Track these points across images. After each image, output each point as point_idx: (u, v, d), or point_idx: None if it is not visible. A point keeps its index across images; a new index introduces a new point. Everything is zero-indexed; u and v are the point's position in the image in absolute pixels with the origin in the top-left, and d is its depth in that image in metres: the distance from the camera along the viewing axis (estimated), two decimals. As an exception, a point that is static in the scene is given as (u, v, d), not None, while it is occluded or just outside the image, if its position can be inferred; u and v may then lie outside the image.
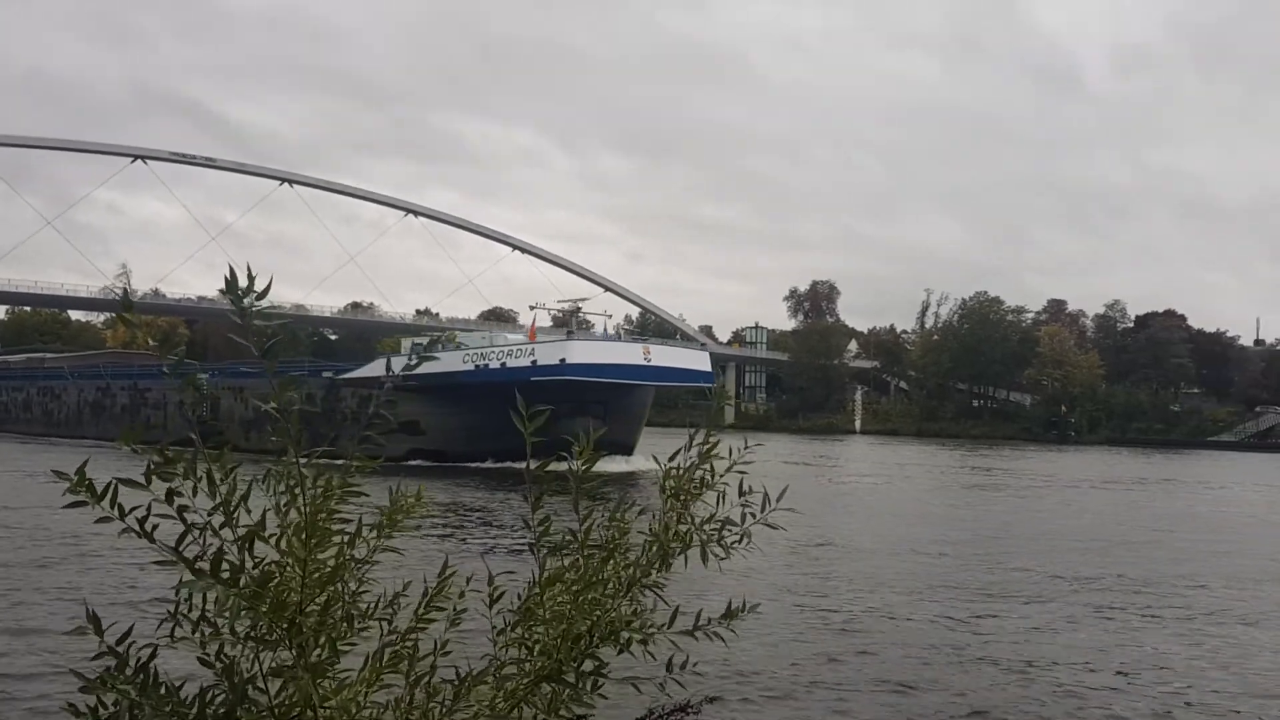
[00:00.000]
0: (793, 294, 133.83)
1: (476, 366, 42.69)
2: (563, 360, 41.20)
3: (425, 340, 52.82)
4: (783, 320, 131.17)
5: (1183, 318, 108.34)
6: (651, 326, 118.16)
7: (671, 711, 2.67)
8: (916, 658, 11.09)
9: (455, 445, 42.44)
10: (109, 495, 2.22)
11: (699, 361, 48.65)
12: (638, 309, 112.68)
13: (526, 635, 2.75)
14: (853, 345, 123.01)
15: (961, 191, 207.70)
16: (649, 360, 44.21)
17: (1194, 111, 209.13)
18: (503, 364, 42.30)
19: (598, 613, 2.71)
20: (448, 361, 43.93)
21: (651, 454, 46.70)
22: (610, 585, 2.82)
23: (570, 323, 51.13)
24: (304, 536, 2.29)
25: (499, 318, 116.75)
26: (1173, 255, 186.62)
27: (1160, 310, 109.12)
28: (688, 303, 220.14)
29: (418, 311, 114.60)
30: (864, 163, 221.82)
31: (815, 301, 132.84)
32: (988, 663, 10.94)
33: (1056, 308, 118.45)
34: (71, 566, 14.99)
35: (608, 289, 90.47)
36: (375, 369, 46.09)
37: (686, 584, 2.93)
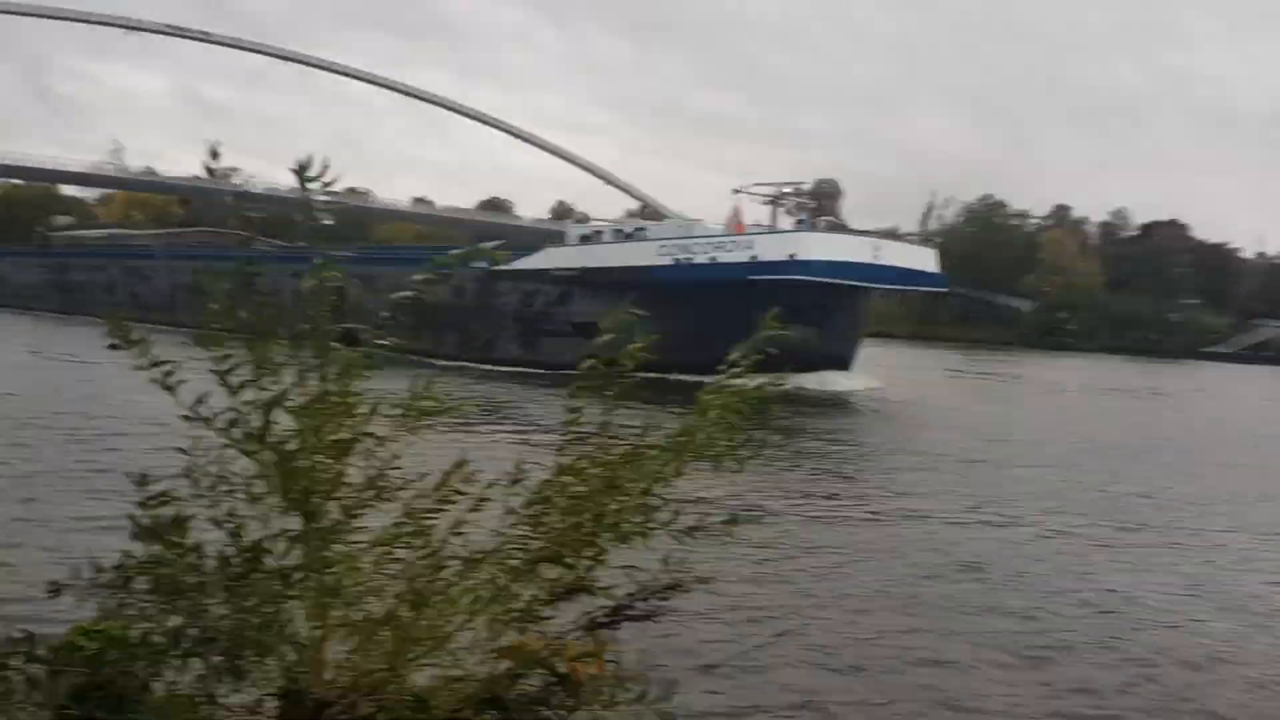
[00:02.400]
0: (795, 190, 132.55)
1: (676, 260, 36.63)
2: (793, 256, 34.85)
3: (594, 229, 45.35)
4: (781, 218, 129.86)
5: (1186, 228, 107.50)
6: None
7: (663, 588, 2.79)
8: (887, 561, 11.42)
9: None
10: (141, 344, 2.27)
11: (927, 261, 41.75)
12: (637, 203, 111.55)
13: (536, 517, 2.84)
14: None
15: (971, 90, 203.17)
16: (878, 258, 37.46)
17: (1217, 12, 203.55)
18: (712, 259, 35.99)
19: (607, 503, 2.80)
20: (635, 254, 38.02)
21: (871, 371, 42.56)
22: (623, 489, 2.89)
23: (776, 212, 42.58)
24: (321, 408, 2.35)
25: (496, 207, 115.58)
26: (1183, 163, 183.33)
27: (1165, 220, 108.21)
28: (685, 199, 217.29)
29: (414, 199, 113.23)
30: (872, 54, 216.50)
31: (818, 200, 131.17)
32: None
33: (1061, 213, 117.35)
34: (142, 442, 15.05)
35: (606, 181, 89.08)
36: (541, 259, 40.48)
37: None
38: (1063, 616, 9.17)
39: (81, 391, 22.15)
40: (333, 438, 2.36)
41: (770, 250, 35.34)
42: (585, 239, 42.63)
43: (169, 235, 70.84)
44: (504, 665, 2.64)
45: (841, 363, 36.64)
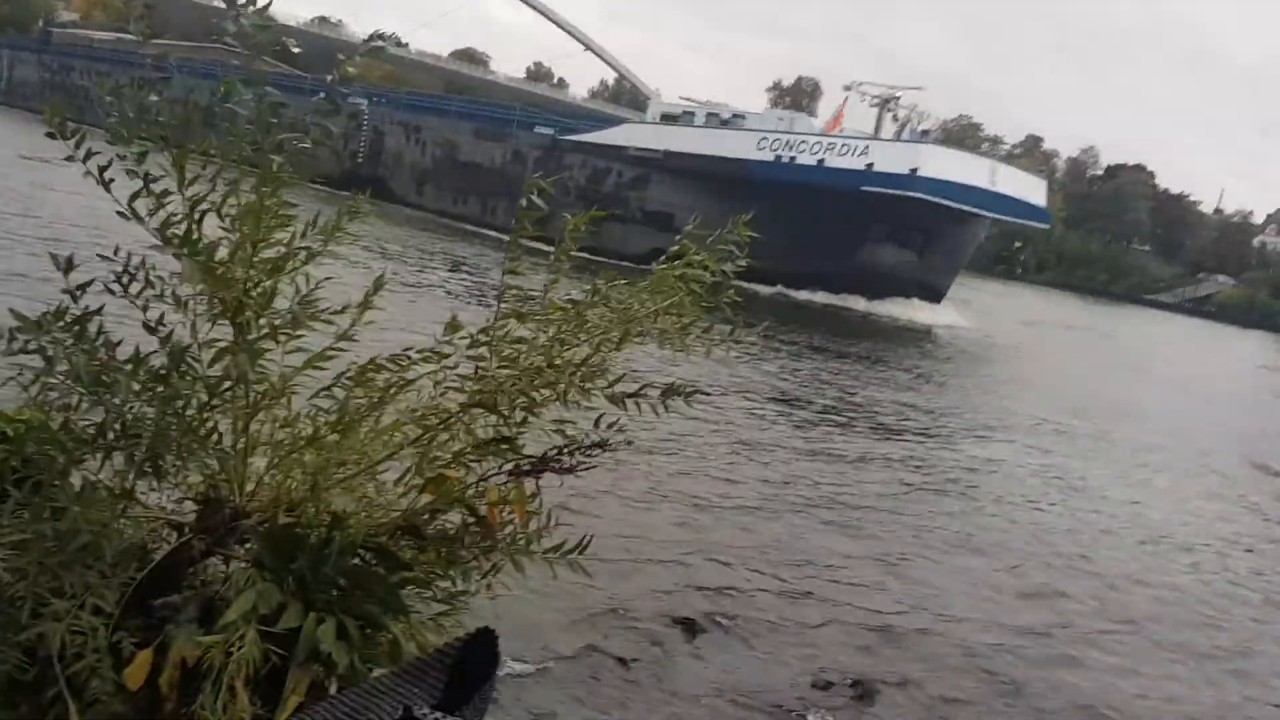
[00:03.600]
0: (776, 86, 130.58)
1: (777, 157, 32.66)
2: (914, 171, 31.11)
3: (682, 109, 40.22)
4: (888, 126, 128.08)
5: (1151, 174, 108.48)
6: (626, 97, 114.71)
7: (590, 445, 2.83)
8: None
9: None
10: (78, 138, 2.18)
11: (1038, 192, 38.13)
12: (614, 75, 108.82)
13: (474, 360, 2.84)
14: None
15: (962, 6, 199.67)
16: (995, 184, 33.64)
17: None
18: (820, 161, 32.14)
19: (548, 358, 2.80)
20: (730, 143, 33.85)
21: (964, 304, 37.19)
22: (565, 342, 2.88)
23: (882, 116, 38.50)
24: (256, 216, 2.28)
25: (471, 59, 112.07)
26: (1161, 108, 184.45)
27: (1131, 164, 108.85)
28: (663, 77, 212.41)
29: (382, 35, 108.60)
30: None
31: (797, 99, 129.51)
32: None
33: (1033, 143, 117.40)
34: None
35: (587, 47, 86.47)
36: (618, 135, 36.67)
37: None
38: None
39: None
40: (267, 252, 2.31)
41: (889, 160, 31.51)
42: (669, 118, 38.15)
43: (190, 48, 67.12)
44: (424, 500, 2.68)
45: (936, 294, 34.34)
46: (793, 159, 32.35)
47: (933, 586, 7.59)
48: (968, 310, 34.92)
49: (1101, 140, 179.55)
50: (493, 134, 39.44)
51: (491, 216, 37.66)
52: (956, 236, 34.03)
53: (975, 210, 32.83)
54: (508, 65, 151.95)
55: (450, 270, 22.01)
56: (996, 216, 35.91)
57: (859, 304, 31.78)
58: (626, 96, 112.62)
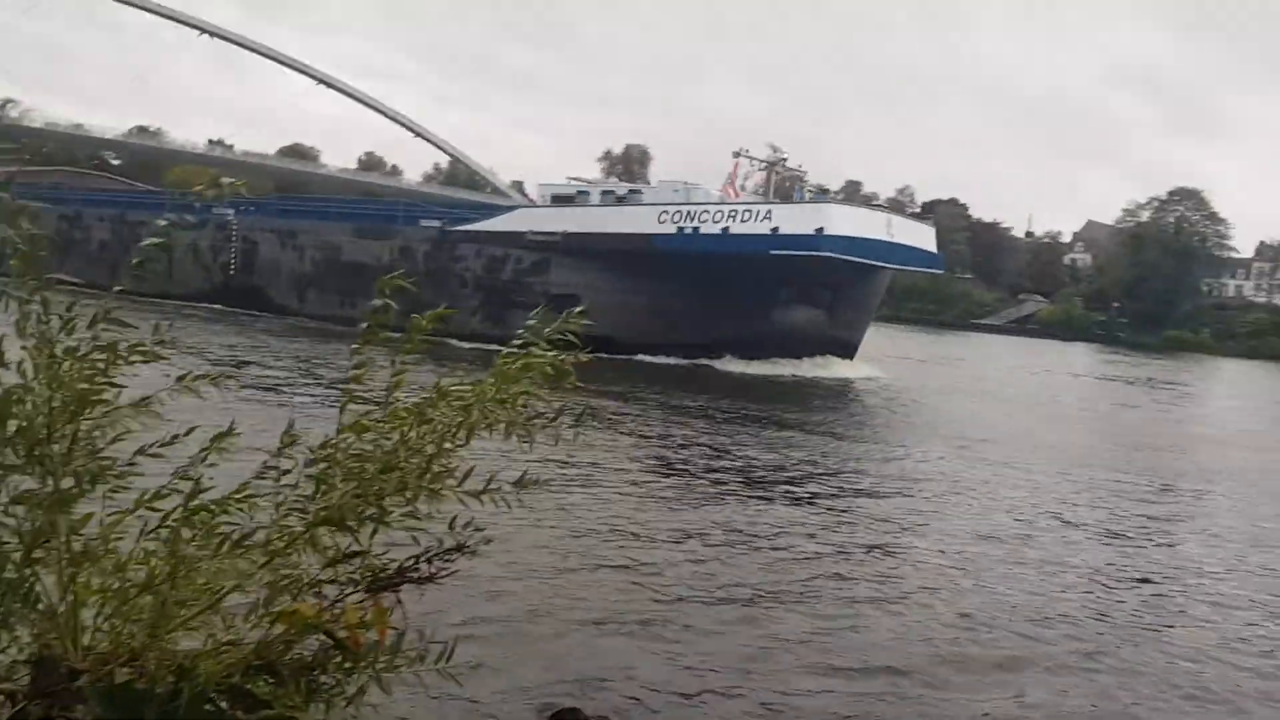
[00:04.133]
0: (606, 155, 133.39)
1: (680, 229, 32.10)
2: (820, 230, 30.61)
3: (574, 189, 39.03)
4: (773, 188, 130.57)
5: (965, 206, 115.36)
6: (462, 178, 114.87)
7: (448, 550, 2.78)
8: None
9: (631, 331, 31.35)
10: None
11: (929, 240, 37.58)
12: (447, 158, 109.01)
13: (317, 479, 2.76)
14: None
15: (773, 62, 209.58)
16: (892, 235, 33.28)
17: None
18: (725, 229, 31.60)
19: (392, 464, 2.74)
20: (631, 219, 33.32)
21: (876, 359, 36.40)
22: (410, 445, 2.83)
23: (771, 179, 37.94)
24: (50, 358, 2.16)
25: (300, 154, 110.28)
26: (967, 143, 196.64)
27: (945, 198, 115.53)
28: (496, 156, 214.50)
29: (210, 141, 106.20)
30: (677, 19, 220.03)
31: (628, 165, 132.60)
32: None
33: (852, 189, 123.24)
34: None
35: (416, 134, 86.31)
36: (512, 221, 35.54)
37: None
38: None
39: None
40: (75, 389, 2.19)
41: (793, 222, 31.19)
42: (561, 199, 37.29)
43: (24, 173, 62.39)
44: (277, 631, 2.57)
45: (848, 349, 34.26)
46: (696, 229, 32.02)
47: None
48: (876, 362, 35.45)
49: (916, 179, 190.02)
50: (376, 232, 38.51)
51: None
52: (862, 291, 34.52)
53: (879, 264, 33.18)
54: (338, 158, 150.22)
55: (325, 379, 21.14)
56: (898, 267, 35.96)
57: (774, 368, 31.52)
58: (462, 178, 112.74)
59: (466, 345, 30.09)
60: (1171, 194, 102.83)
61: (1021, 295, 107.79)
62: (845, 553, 10.32)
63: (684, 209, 32.49)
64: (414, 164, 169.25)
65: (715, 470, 14.58)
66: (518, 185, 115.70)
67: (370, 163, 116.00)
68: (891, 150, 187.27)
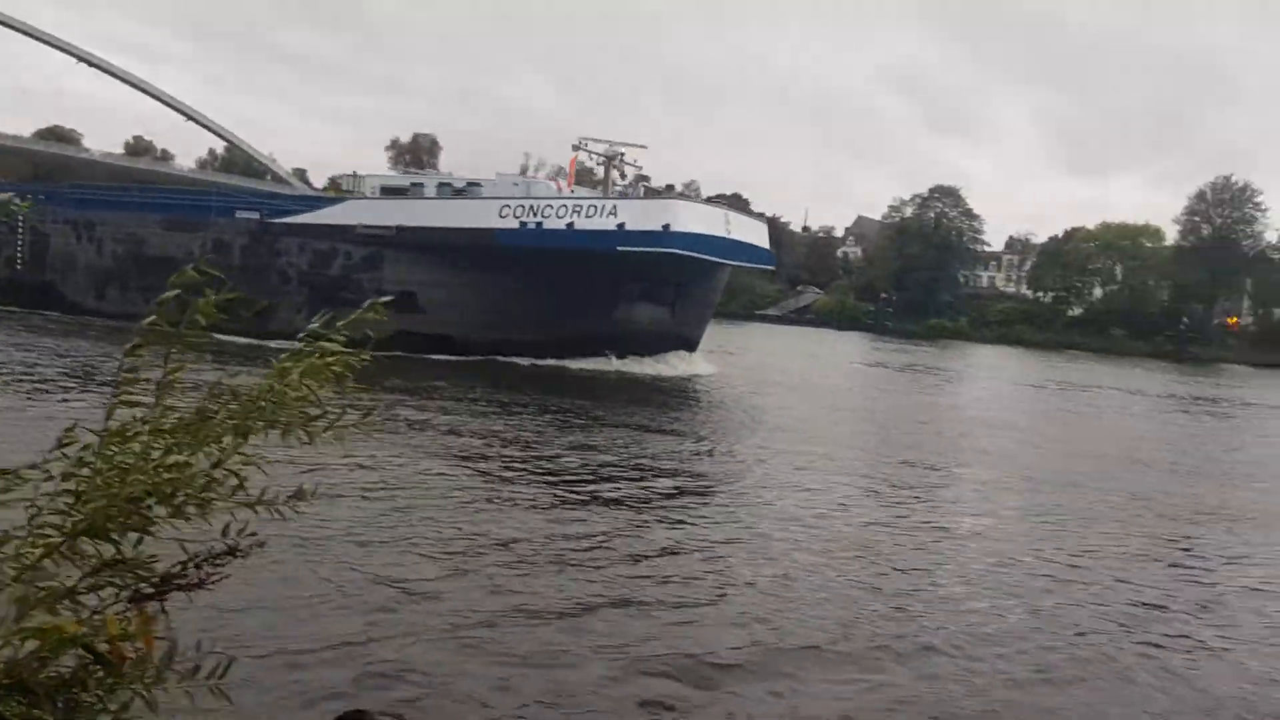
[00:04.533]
0: (394, 144, 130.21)
1: (522, 224, 30.84)
2: (666, 227, 30.13)
3: (408, 180, 37.60)
4: (383, 170, 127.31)
5: (748, 201, 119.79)
6: (239, 165, 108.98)
7: (219, 554, 2.70)
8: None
9: (469, 330, 30.90)
10: None
11: (763, 236, 37.02)
12: (223, 144, 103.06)
13: (78, 486, 2.62)
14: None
15: (568, 55, 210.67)
16: (730, 232, 32.81)
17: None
18: (569, 225, 30.60)
19: (161, 471, 2.64)
20: (471, 213, 31.74)
21: (714, 354, 36.50)
22: (182, 447, 2.72)
23: (609, 173, 36.38)
24: None
25: (59, 138, 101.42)
26: (750, 139, 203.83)
27: (729, 193, 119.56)
28: (277, 143, 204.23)
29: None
30: (473, 7, 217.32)
31: (416, 154, 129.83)
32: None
33: (640, 181, 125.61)
34: None
35: (189, 117, 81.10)
36: (340, 213, 33.40)
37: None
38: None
39: None
40: None
41: (640, 218, 30.66)
42: (392, 191, 35.65)
43: None
44: (30, 648, 2.43)
45: (690, 345, 34.21)
46: (539, 224, 30.87)
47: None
48: (711, 358, 35.64)
49: (702, 175, 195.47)
50: (186, 224, 35.66)
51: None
52: (704, 288, 34.34)
53: (721, 260, 32.97)
54: (103, 142, 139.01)
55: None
56: (736, 264, 35.86)
57: (616, 364, 31.15)
58: (240, 165, 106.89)
59: (285, 343, 27.95)
60: (932, 191, 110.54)
61: (800, 287, 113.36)
62: (639, 556, 10.57)
63: (526, 203, 31.32)
64: (187, 150, 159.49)
65: (520, 473, 14.58)
66: (300, 173, 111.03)
67: (138, 147, 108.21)
68: (681, 146, 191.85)
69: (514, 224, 30.93)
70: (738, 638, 7.91)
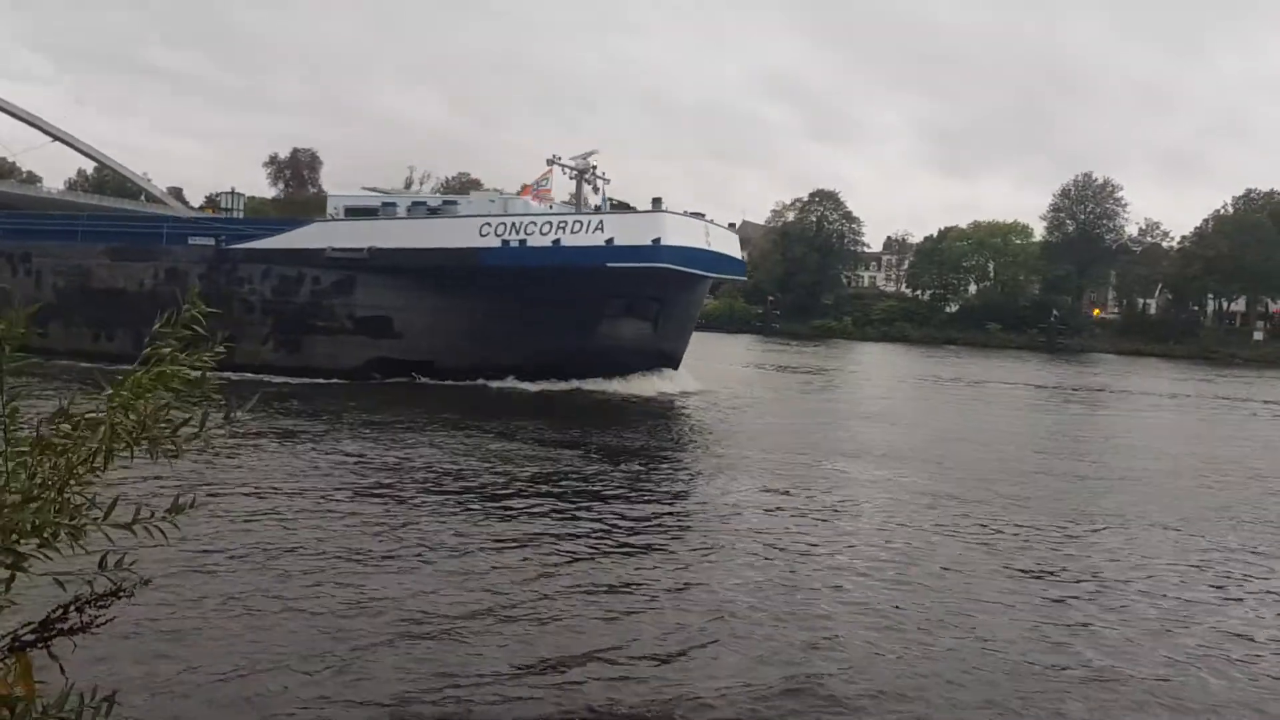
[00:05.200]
0: (273, 160, 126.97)
1: (505, 243, 29.48)
2: (657, 241, 29.18)
3: (377, 200, 34.91)
4: (262, 188, 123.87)
5: (634, 209, 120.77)
6: (111, 186, 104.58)
7: (101, 595, 2.68)
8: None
9: (452, 355, 29.51)
10: None
11: (736, 247, 36.08)
12: (92, 164, 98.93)
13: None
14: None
15: (444, 64, 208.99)
16: (710, 245, 31.84)
17: (656, 6, 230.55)
18: (555, 241, 29.31)
19: (25, 503, 2.59)
20: (450, 233, 30.16)
21: (697, 372, 33.59)
22: (42, 476, 2.67)
23: (581, 186, 35.23)
24: None
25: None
26: (632, 147, 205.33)
27: (614, 201, 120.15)
28: (149, 163, 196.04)
29: None
30: (343, 16, 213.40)
31: (296, 170, 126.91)
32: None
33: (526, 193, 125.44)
34: None
35: (56, 138, 77.60)
36: (306, 236, 31.62)
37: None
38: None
39: None
40: None
41: (629, 232, 29.48)
42: (358, 212, 33.34)
43: None
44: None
45: (673, 361, 33.27)
46: (523, 242, 29.42)
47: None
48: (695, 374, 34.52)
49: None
50: (135, 253, 33.44)
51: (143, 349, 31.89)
52: (686, 301, 33.45)
53: (704, 273, 32.11)
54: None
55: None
56: (717, 276, 34.62)
57: (600, 385, 30.17)
58: (112, 186, 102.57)
59: (251, 376, 26.90)
60: (813, 195, 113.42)
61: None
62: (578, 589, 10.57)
63: (508, 220, 29.97)
64: (55, 171, 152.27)
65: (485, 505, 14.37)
66: (176, 192, 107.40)
67: (0, 170, 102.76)
68: (558, 153, 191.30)
69: (496, 243, 29.52)
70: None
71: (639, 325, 31.29)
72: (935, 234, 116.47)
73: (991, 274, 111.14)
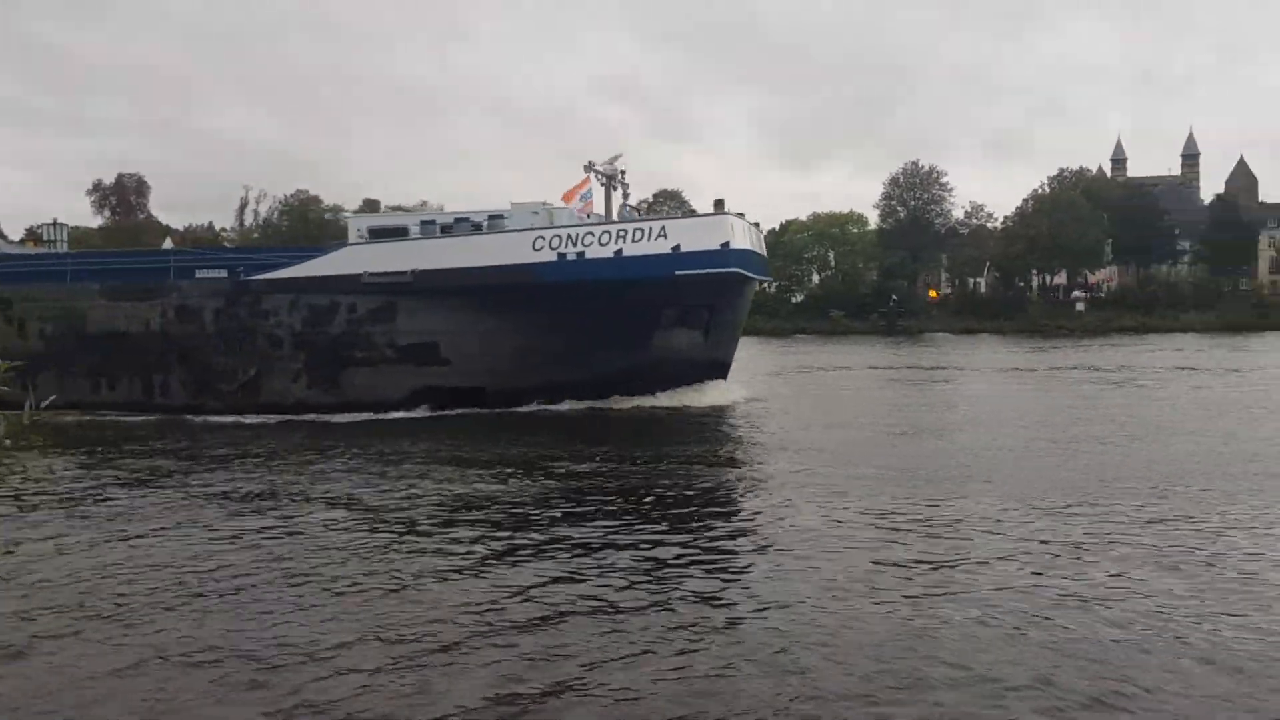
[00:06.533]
0: (97, 187, 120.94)
1: (561, 256, 27.57)
2: (726, 245, 27.88)
3: (415, 219, 32.69)
4: (86, 217, 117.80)
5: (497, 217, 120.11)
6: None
7: None
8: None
9: (505, 379, 27.70)
10: None
11: (763, 247, 34.70)
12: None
13: None
14: (168, 244, 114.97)
15: (276, 80, 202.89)
16: (757, 247, 30.69)
17: (492, 13, 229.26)
18: (617, 252, 27.51)
19: None
20: (503, 250, 28.01)
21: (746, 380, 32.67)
22: None
23: (610, 193, 33.23)
24: None
25: None
26: (481, 155, 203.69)
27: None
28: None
29: None
30: (170, 37, 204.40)
31: (123, 196, 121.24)
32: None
33: (371, 207, 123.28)
34: None
35: None
36: (338, 262, 29.09)
37: None
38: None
39: None
40: None
41: (696, 238, 27.88)
42: (386, 233, 31.03)
43: None
44: None
45: (723, 369, 31.63)
46: (581, 254, 27.62)
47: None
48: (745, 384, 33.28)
49: (436, 195, 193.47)
50: (137, 290, 30.57)
51: (164, 396, 29.43)
52: (735, 306, 31.58)
53: (754, 276, 30.84)
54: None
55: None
56: (760, 278, 33.11)
57: (651, 400, 28.80)
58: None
59: (280, 417, 26.27)
60: (657, 196, 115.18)
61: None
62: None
63: (562, 233, 28.06)
64: None
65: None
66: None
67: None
68: (407, 167, 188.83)
69: (551, 256, 27.61)
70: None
71: (691, 335, 29.96)
72: (778, 226, 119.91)
73: (832, 263, 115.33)
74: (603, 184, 33.01)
